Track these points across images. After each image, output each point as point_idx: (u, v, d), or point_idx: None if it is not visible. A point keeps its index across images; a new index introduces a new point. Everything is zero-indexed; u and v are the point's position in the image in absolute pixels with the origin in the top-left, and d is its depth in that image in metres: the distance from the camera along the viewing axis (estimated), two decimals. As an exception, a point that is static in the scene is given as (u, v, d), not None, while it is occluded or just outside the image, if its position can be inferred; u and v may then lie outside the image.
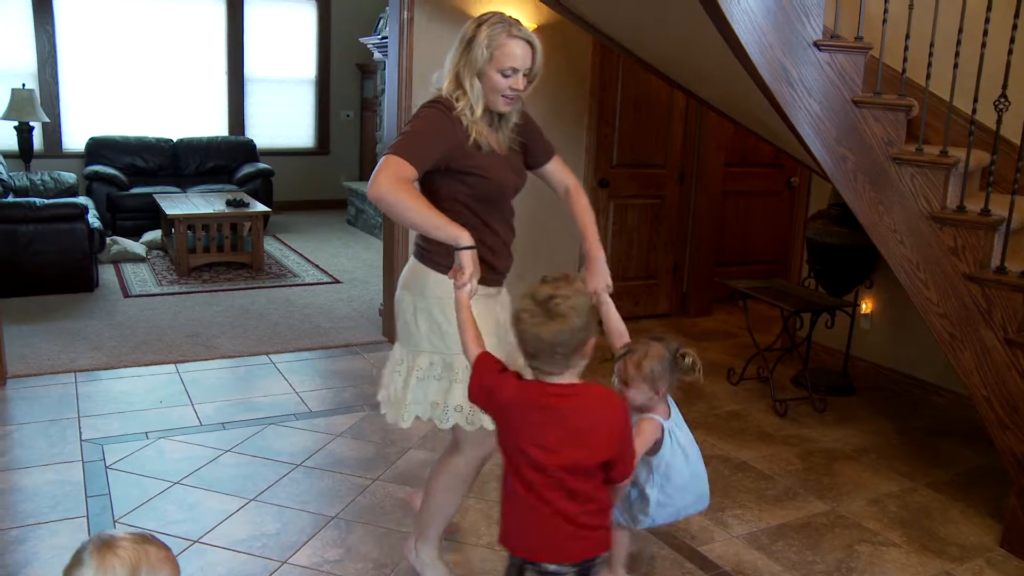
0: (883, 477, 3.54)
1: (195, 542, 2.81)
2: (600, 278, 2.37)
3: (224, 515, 2.97)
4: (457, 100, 2.30)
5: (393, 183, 2.12)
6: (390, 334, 5.04)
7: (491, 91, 2.30)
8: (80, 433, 3.60)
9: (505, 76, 2.28)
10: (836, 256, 4.29)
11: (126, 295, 5.87)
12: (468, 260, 2.08)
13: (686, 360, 2.20)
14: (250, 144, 8.85)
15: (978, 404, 3.02)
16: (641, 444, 2.18)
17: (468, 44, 2.29)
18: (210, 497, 3.11)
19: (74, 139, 8.34)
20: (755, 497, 3.31)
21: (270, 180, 8.48)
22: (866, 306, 4.66)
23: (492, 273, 2.37)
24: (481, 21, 2.30)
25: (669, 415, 2.30)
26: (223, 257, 6.75)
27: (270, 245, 7.67)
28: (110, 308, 5.50)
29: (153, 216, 7.60)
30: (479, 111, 2.30)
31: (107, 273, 6.42)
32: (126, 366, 4.45)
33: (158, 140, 8.48)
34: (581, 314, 1.75)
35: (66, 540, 2.78)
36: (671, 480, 2.30)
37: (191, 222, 6.59)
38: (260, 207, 7.03)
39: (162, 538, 2.75)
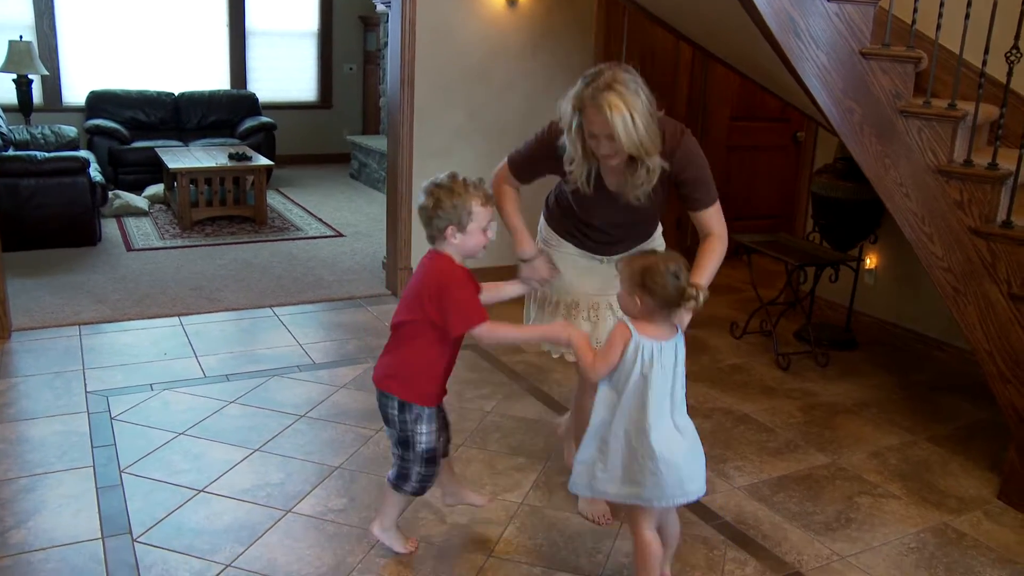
0: (884, 431, 3.56)
1: (200, 491, 2.84)
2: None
3: (229, 465, 3.00)
4: (564, 132, 2.34)
5: (496, 186, 2.59)
6: (393, 287, 5.04)
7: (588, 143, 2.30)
8: (85, 385, 3.62)
9: (592, 136, 2.25)
10: (841, 210, 4.26)
11: (129, 249, 5.87)
12: (527, 270, 2.59)
13: (679, 279, 2.08)
14: (252, 98, 8.78)
15: (980, 359, 3.02)
16: (604, 348, 2.15)
17: (572, 92, 2.28)
18: (215, 447, 3.14)
19: (74, 93, 8.27)
20: (756, 449, 3.33)
21: (272, 134, 8.42)
22: (870, 261, 4.65)
23: (590, 243, 2.65)
24: (588, 74, 2.25)
25: (662, 336, 2.14)
26: (226, 211, 6.73)
27: (273, 199, 7.65)
28: (113, 262, 5.51)
29: (155, 170, 7.57)
30: (576, 156, 2.33)
31: (110, 227, 6.41)
32: (130, 319, 4.47)
33: (159, 94, 8.42)
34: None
35: (73, 489, 2.81)
36: (643, 429, 2.12)
37: (193, 176, 6.56)
38: (263, 161, 6.99)
39: (168, 488, 2.82)
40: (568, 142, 2.32)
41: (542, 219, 2.79)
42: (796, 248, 4.44)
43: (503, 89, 5.00)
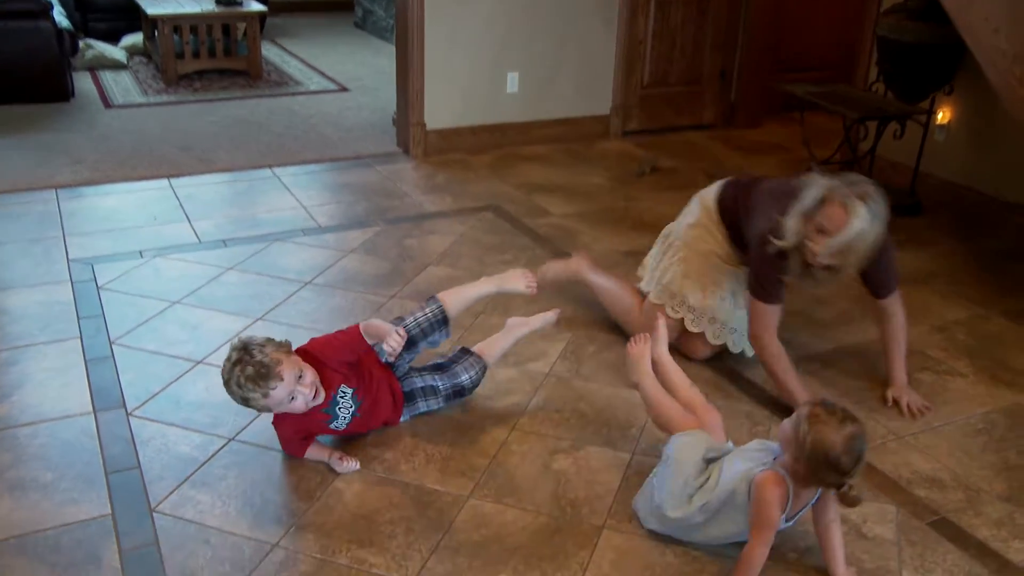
0: (951, 303, 3.48)
1: (198, 363, 2.83)
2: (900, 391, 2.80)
3: (228, 335, 2.97)
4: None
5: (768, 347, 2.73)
6: (405, 144, 4.93)
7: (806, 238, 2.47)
8: (67, 252, 3.58)
9: (821, 231, 2.42)
10: (911, 55, 4.06)
11: (107, 105, 5.75)
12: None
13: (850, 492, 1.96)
14: (241, -66, 8.43)
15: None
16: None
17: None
18: (213, 317, 3.12)
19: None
20: (805, 321, 3.28)
21: (265, -24, 8.14)
22: (943, 115, 4.46)
23: None
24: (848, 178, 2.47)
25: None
26: (216, 63, 6.56)
27: (268, 50, 7.45)
28: (89, 119, 5.40)
29: (129, 16, 7.31)
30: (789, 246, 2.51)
31: (83, 81, 6.27)
32: (112, 181, 4.40)
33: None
34: None
35: (58, 362, 2.81)
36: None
37: (177, 23, 6.35)
38: (256, 6, 6.75)
39: (164, 359, 2.81)
40: (792, 231, 2.49)
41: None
42: (856, 100, 4.26)
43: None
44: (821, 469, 1.90)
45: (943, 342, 3.19)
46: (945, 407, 2.79)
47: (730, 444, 2.21)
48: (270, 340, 2.21)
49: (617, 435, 2.56)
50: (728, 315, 2.89)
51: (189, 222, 3.92)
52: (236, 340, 2.20)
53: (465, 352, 2.64)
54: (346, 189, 4.41)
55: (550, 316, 2.79)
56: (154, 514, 2.18)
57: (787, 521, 2.01)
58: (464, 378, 2.56)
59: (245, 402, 2.18)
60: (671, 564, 2.08)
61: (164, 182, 4.40)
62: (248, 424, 2.51)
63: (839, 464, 1.88)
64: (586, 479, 2.37)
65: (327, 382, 2.27)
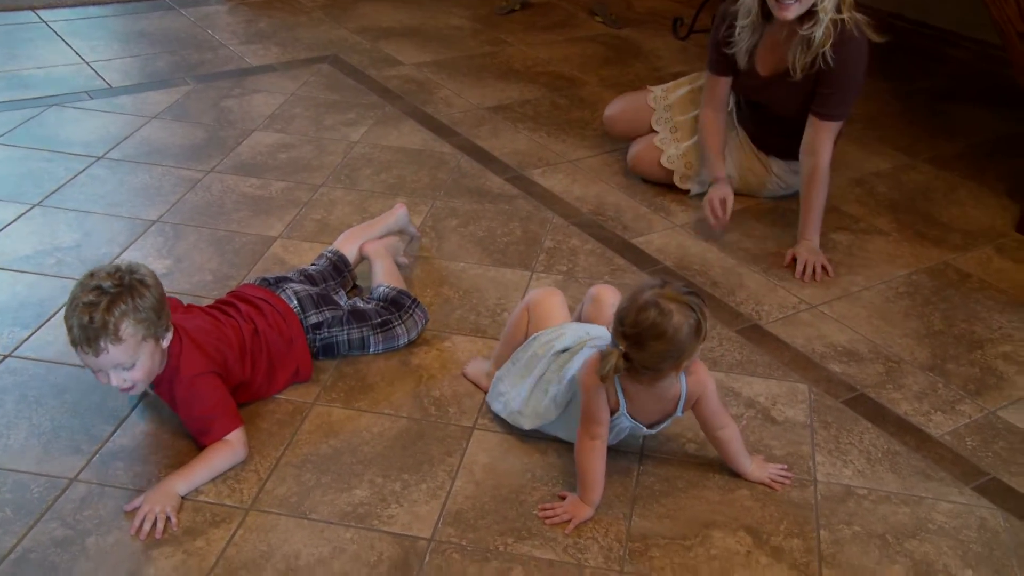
0: (873, 151, 3.63)
1: (-47, 262, 2.75)
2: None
3: (-6, 225, 2.92)
4: None
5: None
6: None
7: None
8: None
9: None
10: None
11: None
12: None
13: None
14: None
15: (1009, 48, 3.03)
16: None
17: None
18: (-28, 203, 3.03)
19: None
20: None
21: None
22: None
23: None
24: None
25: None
26: None
27: None
28: None
29: None
30: (753, 10, 2.91)
31: None
32: None
33: None
34: None
35: None
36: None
37: None
38: None
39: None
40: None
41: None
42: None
43: None
44: (613, 329, 1.95)
45: (862, 196, 3.34)
46: (865, 271, 2.94)
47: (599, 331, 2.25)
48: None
49: (487, 322, 2.62)
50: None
51: (-72, 85, 3.75)
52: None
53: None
54: (143, 39, 4.29)
55: (399, 212, 2.81)
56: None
57: (640, 426, 2.09)
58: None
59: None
60: (553, 464, 2.16)
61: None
62: (29, 335, 2.46)
63: (620, 316, 1.92)
64: (452, 374, 2.42)
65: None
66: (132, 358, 2.00)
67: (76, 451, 2.14)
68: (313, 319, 2.38)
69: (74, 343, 1.98)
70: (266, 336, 2.27)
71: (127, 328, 1.97)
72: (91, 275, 2.02)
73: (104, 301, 1.95)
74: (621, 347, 1.91)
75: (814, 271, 2.87)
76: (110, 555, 1.88)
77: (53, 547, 1.89)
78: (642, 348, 1.89)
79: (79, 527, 1.94)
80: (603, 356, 1.95)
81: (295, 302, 2.38)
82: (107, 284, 1.98)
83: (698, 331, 1.91)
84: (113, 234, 2.90)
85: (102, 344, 1.95)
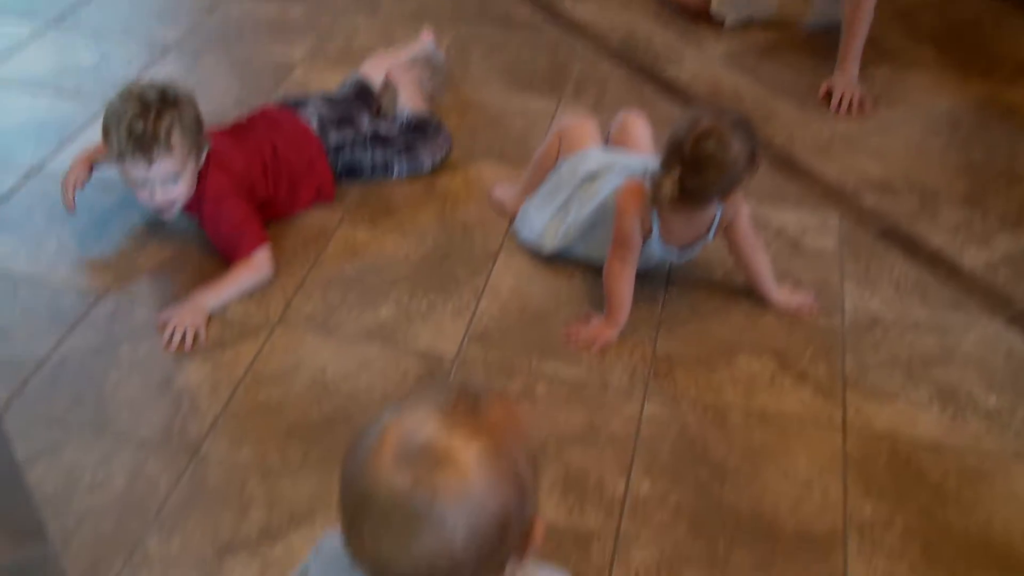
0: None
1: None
2: None
3: (10, 43, 2.92)
4: None
5: None
6: None
7: None
8: None
9: None
10: None
11: None
12: None
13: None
14: None
15: None
16: None
17: None
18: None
19: None
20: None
21: None
22: None
23: None
24: None
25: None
26: None
27: None
28: None
29: None
30: None
31: None
32: None
33: None
34: None
35: None
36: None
37: None
38: None
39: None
40: None
41: None
42: None
43: None
44: (666, 155, 1.95)
45: (904, 28, 3.26)
46: (904, 104, 2.90)
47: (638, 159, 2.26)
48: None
49: (513, 148, 2.62)
50: None
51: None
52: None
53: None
54: None
55: (425, 40, 2.85)
56: (-55, 263, 2.19)
57: (671, 252, 2.13)
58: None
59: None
60: (579, 288, 2.20)
61: None
62: (52, 153, 2.49)
63: (677, 142, 1.92)
64: (478, 199, 2.44)
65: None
66: (181, 170, 2.07)
67: (106, 265, 2.20)
68: (334, 140, 2.40)
69: (122, 155, 2.03)
70: (285, 155, 2.31)
71: (177, 137, 2.03)
72: (130, 89, 2.08)
73: (153, 111, 2.01)
74: (675, 173, 1.93)
75: (850, 104, 2.85)
76: (143, 363, 1.96)
77: (90, 354, 1.98)
78: (698, 175, 1.91)
79: (112, 337, 2.02)
80: (654, 182, 1.97)
81: (315, 122, 2.40)
82: (152, 96, 2.04)
83: (752, 161, 1.93)
84: (130, 55, 2.92)
85: (155, 153, 2.01)
